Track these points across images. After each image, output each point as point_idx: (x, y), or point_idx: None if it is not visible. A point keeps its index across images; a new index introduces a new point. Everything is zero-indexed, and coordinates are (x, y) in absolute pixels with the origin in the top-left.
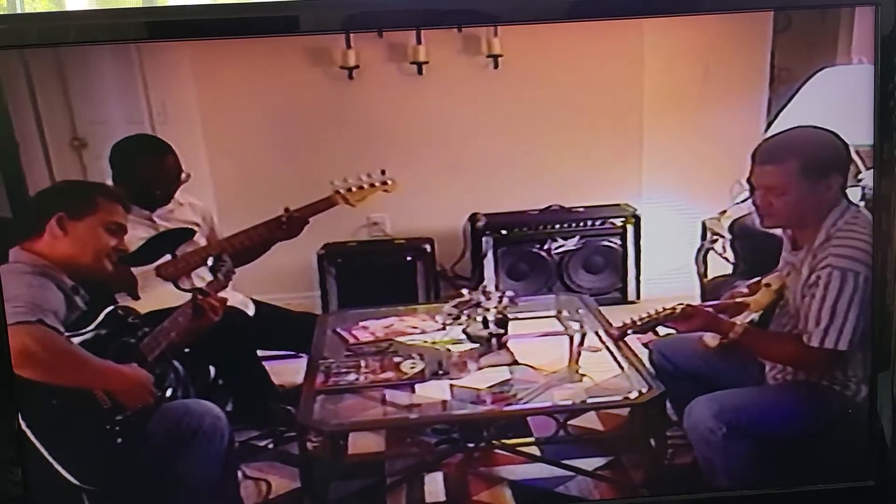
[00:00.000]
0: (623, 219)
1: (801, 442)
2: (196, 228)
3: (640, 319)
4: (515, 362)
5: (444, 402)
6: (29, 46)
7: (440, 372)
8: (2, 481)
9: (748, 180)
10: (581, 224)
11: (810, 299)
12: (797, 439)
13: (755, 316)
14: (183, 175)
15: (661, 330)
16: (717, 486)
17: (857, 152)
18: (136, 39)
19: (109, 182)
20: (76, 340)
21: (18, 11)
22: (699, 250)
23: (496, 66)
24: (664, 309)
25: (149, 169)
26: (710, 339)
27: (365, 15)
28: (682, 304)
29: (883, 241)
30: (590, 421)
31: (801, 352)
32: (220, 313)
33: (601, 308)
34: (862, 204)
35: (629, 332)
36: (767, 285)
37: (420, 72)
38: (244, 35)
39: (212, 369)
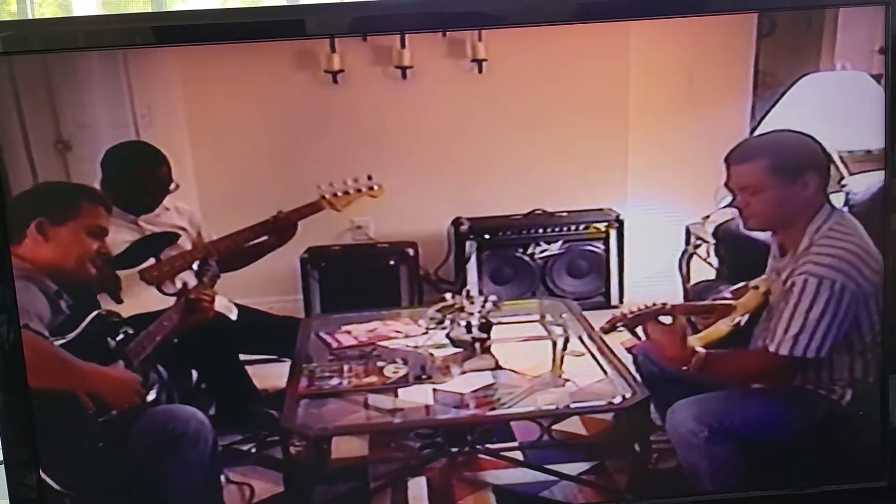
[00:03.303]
0: (606, 223)
1: (804, 445)
2: (181, 233)
3: (631, 313)
4: (499, 367)
5: (428, 406)
6: (23, 53)
7: (423, 376)
8: (15, 485)
9: (726, 185)
10: (565, 228)
11: (783, 306)
12: (798, 443)
13: (742, 319)
14: (172, 185)
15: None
16: (702, 490)
17: (841, 158)
18: (128, 45)
19: (97, 185)
20: (61, 345)
21: (29, 16)
22: (683, 255)
23: (480, 71)
24: (654, 305)
25: (141, 176)
26: (696, 341)
27: (352, 19)
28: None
29: (893, 241)
30: (574, 426)
31: (767, 363)
32: (213, 312)
33: (585, 312)
34: (846, 209)
35: (618, 325)
36: (756, 287)
37: (404, 76)
38: (237, 40)
39: (194, 373)
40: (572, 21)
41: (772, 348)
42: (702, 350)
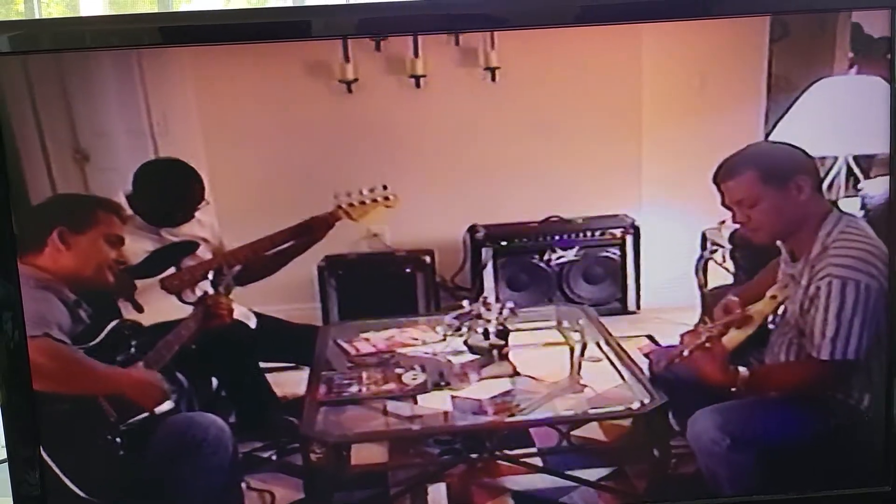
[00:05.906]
0: (622, 229)
1: (811, 450)
2: (201, 242)
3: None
4: (517, 373)
5: (446, 413)
6: (34, 52)
7: (442, 383)
8: (18, 482)
9: (723, 204)
10: (581, 235)
11: (814, 311)
12: (805, 448)
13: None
14: (203, 203)
15: (662, 340)
16: (723, 496)
17: (857, 162)
18: (151, 46)
19: (121, 195)
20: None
21: (37, 16)
22: (699, 260)
23: (494, 79)
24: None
25: (175, 194)
26: None
27: (365, 21)
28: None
29: None
30: (592, 431)
31: (811, 370)
32: (230, 320)
33: (601, 318)
34: (861, 213)
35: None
36: (773, 297)
37: (418, 85)
38: (253, 41)
39: (214, 381)
40: (582, 23)
41: (813, 354)
42: (744, 370)
